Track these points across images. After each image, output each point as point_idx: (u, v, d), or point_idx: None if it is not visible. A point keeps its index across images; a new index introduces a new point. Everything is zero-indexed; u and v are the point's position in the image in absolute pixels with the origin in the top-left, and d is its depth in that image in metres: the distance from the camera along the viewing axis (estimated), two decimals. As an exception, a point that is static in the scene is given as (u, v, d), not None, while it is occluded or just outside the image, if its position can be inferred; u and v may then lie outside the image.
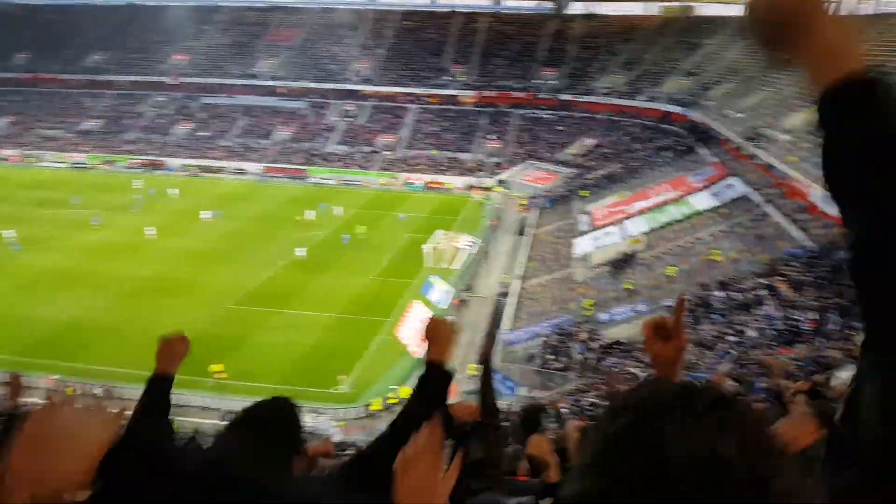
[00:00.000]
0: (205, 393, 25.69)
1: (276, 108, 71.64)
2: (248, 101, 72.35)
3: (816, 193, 28.03)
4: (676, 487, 0.65)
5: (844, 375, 13.27)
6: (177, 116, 71.54)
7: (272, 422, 2.02)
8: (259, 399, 2.16)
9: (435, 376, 2.37)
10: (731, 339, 23.25)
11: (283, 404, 2.13)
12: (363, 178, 60.62)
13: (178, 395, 2.47)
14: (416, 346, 29.78)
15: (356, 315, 33.33)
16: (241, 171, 62.12)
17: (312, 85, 73.11)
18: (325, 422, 24.39)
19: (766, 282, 26.01)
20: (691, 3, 72.32)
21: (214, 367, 26.33)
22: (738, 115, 45.06)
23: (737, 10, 69.15)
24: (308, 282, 36.86)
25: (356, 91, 72.66)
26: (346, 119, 70.33)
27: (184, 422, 22.36)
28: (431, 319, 2.40)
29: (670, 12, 73.38)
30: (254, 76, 74.70)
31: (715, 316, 25.72)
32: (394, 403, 25.41)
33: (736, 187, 37.96)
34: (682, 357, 1.57)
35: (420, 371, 2.38)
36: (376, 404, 26.07)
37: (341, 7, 79.96)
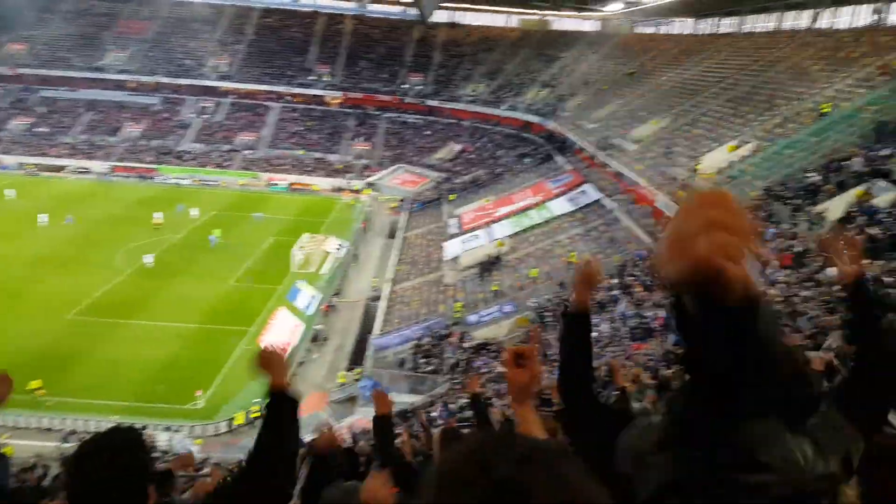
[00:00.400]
0: (41, 414, 23.51)
1: (124, 104, 66.73)
2: (94, 95, 66.74)
3: (661, 200, 30.53)
4: None
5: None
6: (12, 110, 64.54)
7: (112, 457, 1.89)
8: (97, 431, 2.05)
9: (280, 403, 2.34)
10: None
11: (121, 436, 2.02)
12: (221, 178, 57.86)
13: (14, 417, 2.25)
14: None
15: (215, 325, 31.48)
16: (85, 170, 57.19)
17: (165, 80, 68.81)
18: (181, 439, 22.99)
19: (619, 282, 28.01)
20: (548, 18, 76.17)
21: (33, 384, 23.77)
22: (591, 125, 48.10)
23: (589, 26, 74.07)
24: (160, 290, 34.27)
25: (213, 87, 69.35)
26: (202, 116, 66.96)
27: (22, 446, 20.39)
28: (261, 351, 2.38)
29: (528, 25, 76.95)
30: (100, 69, 69.05)
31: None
32: (257, 417, 24.55)
33: (589, 193, 40.47)
34: (536, 383, 1.78)
35: (264, 402, 2.35)
36: (239, 418, 25.00)
37: (197, 1, 75.95)
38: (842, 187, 20.84)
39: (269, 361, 2.35)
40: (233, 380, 27.05)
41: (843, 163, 22.22)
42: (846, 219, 19.15)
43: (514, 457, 0.71)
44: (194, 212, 46.80)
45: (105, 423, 23.47)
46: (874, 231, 17.20)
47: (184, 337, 30.12)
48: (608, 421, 1.51)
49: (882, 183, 19.47)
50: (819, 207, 20.58)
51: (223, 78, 70.00)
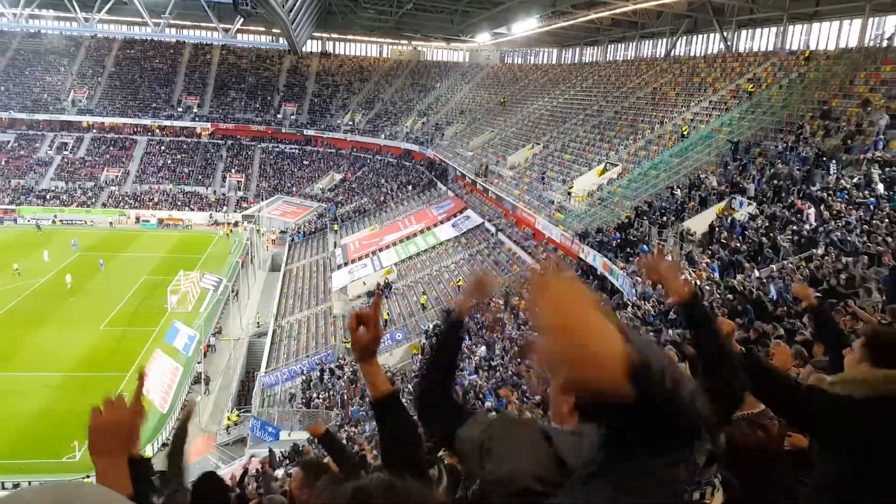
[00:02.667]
0: None
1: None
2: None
3: (541, 222, 31.84)
4: None
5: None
6: None
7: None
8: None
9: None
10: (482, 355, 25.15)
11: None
12: (87, 217, 54.15)
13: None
14: (160, 399, 27.24)
15: (89, 372, 29.22)
16: None
17: (20, 115, 63.61)
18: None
19: (504, 303, 28.75)
20: (420, 48, 77.85)
21: None
22: (469, 153, 49.47)
23: (460, 56, 76.54)
24: (26, 338, 31.63)
25: (74, 122, 64.87)
26: (62, 153, 62.30)
27: None
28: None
29: (401, 55, 78.26)
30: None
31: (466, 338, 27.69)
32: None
33: (472, 218, 41.46)
34: (376, 343, 1.95)
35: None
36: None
37: (51, 32, 70.85)
38: (704, 204, 22.67)
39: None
40: (111, 430, 24.95)
41: (702, 181, 24.19)
42: (710, 233, 20.81)
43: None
44: (47, 256, 43.09)
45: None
46: (736, 244, 18.79)
47: (55, 387, 27.87)
48: (455, 416, 1.71)
49: (739, 198, 21.38)
50: (685, 224, 22.22)
51: (84, 112, 65.60)
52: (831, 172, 19.26)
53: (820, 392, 2.17)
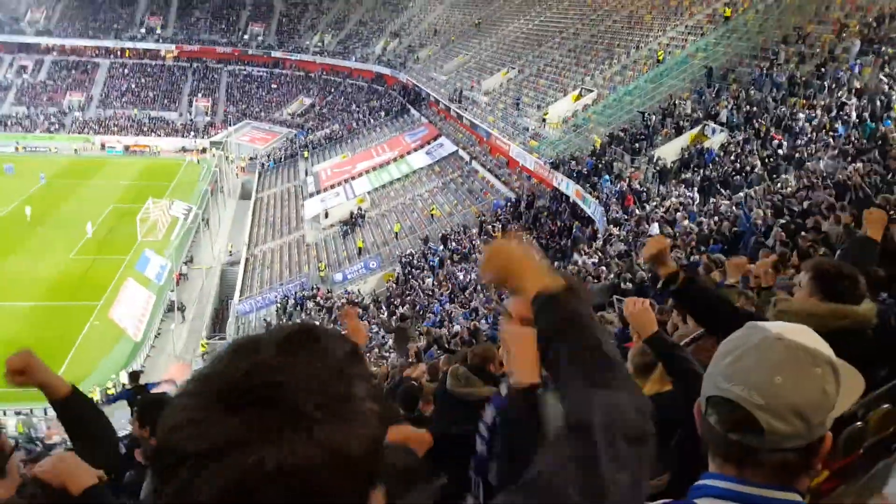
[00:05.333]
0: None
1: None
2: None
3: (515, 150, 31.59)
4: None
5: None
6: None
7: None
8: None
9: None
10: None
11: None
12: (51, 144, 52.43)
13: None
14: (133, 328, 27.24)
15: (60, 301, 29.14)
16: None
17: (-26, 38, 60.25)
18: (37, 423, 21.48)
19: (478, 231, 28.87)
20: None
21: None
22: (443, 77, 48.36)
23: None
24: (-7, 268, 31.18)
25: (32, 44, 61.68)
26: (22, 76, 59.54)
27: None
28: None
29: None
30: None
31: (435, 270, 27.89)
32: (113, 394, 23.08)
33: (446, 146, 40.96)
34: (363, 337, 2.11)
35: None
36: (93, 395, 23.41)
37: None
38: (679, 131, 22.62)
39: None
40: (85, 357, 25.60)
41: (677, 107, 24.07)
42: (682, 161, 20.85)
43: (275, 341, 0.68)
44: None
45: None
46: (707, 172, 18.90)
47: (27, 316, 27.77)
48: None
49: (712, 125, 21.37)
50: (657, 151, 22.25)
51: (42, 33, 62.33)
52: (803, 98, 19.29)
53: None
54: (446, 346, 15.80)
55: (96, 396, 23.12)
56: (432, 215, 33.68)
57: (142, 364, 26.03)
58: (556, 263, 21.78)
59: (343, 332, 0.87)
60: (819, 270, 2.40)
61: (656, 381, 2.72)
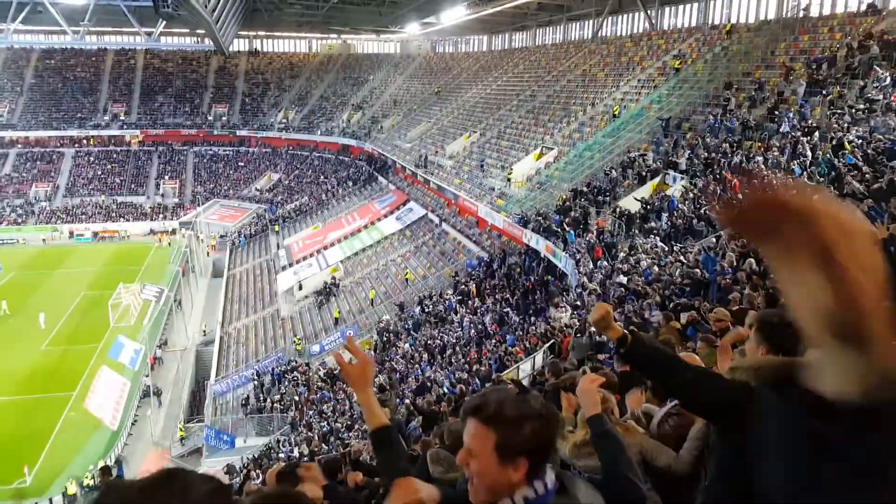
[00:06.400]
0: None
1: None
2: None
3: (483, 209, 32.18)
4: None
5: (525, 367, 15.75)
6: None
7: None
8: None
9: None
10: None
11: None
12: (19, 235, 52.02)
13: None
14: (110, 417, 26.51)
15: (33, 394, 28.35)
16: None
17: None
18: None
19: (453, 292, 29.02)
20: (350, 41, 77.10)
21: None
22: (407, 144, 49.44)
23: (391, 48, 76.15)
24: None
25: (-4, 139, 61.81)
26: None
27: None
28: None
29: (332, 50, 77.34)
30: None
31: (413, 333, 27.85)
32: (90, 485, 22.30)
33: (415, 210, 41.55)
34: (370, 369, 2.14)
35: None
36: (71, 489, 22.58)
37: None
38: (641, 181, 23.32)
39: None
40: (62, 449, 24.84)
41: (636, 158, 24.88)
42: (646, 209, 21.40)
43: None
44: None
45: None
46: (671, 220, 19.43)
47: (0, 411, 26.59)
48: None
49: (672, 173, 22.11)
50: (620, 202, 22.87)
51: (6, 127, 62.44)
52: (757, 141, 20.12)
53: (714, 377, 2.09)
54: (429, 412, 15.70)
55: (73, 489, 22.35)
56: (406, 279, 33.84)
57: (120, 453, 25.28)
58: (533, 319, 21.98)
59: (209, 475, 0.99)
60: (762, 322, 2.38)
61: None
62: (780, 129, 19.76)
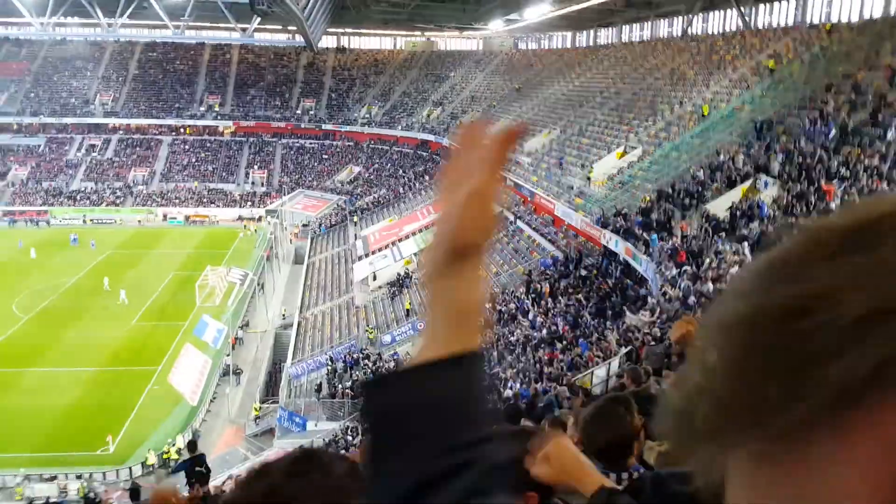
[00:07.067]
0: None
1: (8, 147, 62.66)
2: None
3: (560, 208, 31.76)
4: None
5: (599, 373, 15.42)
6: None
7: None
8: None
9: None
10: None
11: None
12: (117, 217, 55.54)
13: None
14: (190, 393, 27.81)
15: (121, 366, 30.13)
16: None
17: (50, 120, 65.05)
18: (97, 486, 21.96)
19: (525, 290, 28.78)
20: (433, 39, 77.75)
21: None
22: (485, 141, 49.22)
23: (473, 45, 76.28)
24: (60, 335, 32.58)
25: (101, 124, 66.21)
26: (91, 154, 63.64)
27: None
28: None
29: (415, 47, 78.26)
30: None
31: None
32: (168, 458, 23.49)
33: (492, 206, 41.35)
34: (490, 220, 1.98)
35: None
36: (150, 459, 23.88)
37: (76, 39, 72.24)
38: (731, 185, 22.37)
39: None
40: (144, 422, 26.27)
41: (726, 161, 23.91)
42: (731, 217, 20.53)
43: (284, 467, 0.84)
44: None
45: (12, 476, 21.98)
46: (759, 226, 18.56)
47: (89, 382, 28.74)
48: None
49: (764, 177, 21.11)
50: (708, 206, 22.04)
51: (110, 114, 66.91)
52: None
53: None
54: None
55: (152, 460, 23.61)
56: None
57: (197, 428, 26.48)
58: (608, 323, 21.53)
59: (343, 454, 1.04)
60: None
61: None
62: (886, 136, 18.54)
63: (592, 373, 15.64)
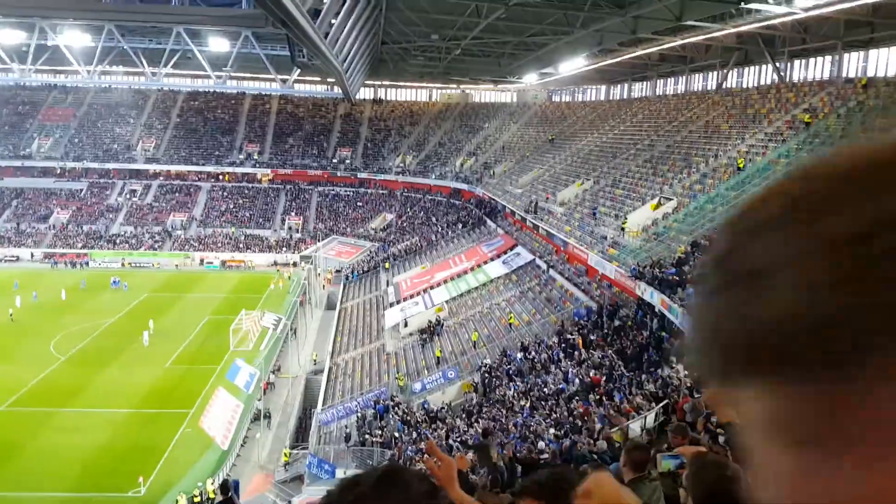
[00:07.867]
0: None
1: (52, 190, 65.43)
2: (21, 183, 65.48)
3: (593, 258, 31.67)
4: None
5: (635, 426, 15.14)
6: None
7: None
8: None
9: None
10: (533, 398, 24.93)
11: None
12: (154, 260, 56.92)
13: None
14: (221, 437, 27.85)
15: (154, 408, 30.44)
16: (13, 258, 56.25)
17: (93, 165, 68.03)
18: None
19: (558, 340, 28.53)
20: (468, 91, 79.38)
21: None
22: (518, 190, 49.77)
23: (507, 97, 77.59)
24: (95, 376, 33.20)
25: (141, 170, 68.76)
26: (131, 199, 65.89)
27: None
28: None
29: (450, 99, 79.97)
30: (27, 157, 67.85)
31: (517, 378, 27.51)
32: (199, 502, 23.43)
33: (523, 255, 41.47)
34: (454, 468, 2.14)
35: None
36: (182, 503, 23.82)
37: (120, 86, 75.60)
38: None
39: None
40: (176, 464, 26.24)
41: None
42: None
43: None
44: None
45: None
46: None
47: (121, 423, 29.11)
48: None
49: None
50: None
51: (151, 160, 69.50)
52: None
53: None
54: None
55: (183, 503, 23.57)
56: (510, 324, 33.67)
57: (227, 473, 26.44)
58: (644, 377, 21.18)
59: (424, 473, 1.14)
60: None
61: None
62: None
63: (628, 426, 15.37)
